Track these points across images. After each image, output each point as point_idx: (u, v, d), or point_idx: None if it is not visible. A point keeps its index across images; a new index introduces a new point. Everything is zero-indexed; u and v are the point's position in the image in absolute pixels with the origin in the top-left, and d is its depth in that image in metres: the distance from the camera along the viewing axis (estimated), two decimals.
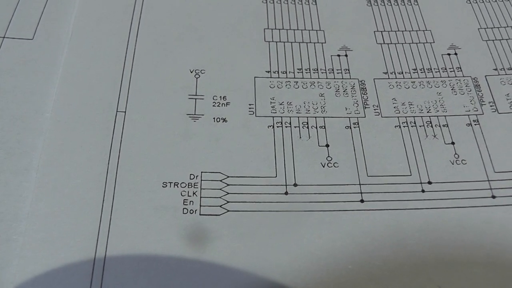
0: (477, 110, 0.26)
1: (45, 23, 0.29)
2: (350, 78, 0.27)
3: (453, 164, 0.24)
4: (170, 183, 0.23)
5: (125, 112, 0.25)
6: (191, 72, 0.27)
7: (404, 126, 0.25)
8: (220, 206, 0.23)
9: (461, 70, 0.28)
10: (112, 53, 0.27)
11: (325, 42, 0.28)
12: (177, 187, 0.23)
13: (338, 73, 0.27)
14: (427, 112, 0.26)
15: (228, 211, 0.23)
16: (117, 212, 0.22)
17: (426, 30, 0.29)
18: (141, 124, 0.25)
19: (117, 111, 0.25)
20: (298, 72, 0.27)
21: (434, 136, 0.25)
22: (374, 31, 0.29)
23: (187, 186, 0.23)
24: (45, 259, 0.21)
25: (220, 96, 0.26)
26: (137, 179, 0.23)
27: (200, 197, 0.23)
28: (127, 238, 0.22)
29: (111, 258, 0.21)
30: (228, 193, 0.23)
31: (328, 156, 0.24)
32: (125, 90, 0.26)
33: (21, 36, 0.28)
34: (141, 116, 0.25)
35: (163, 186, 0.23)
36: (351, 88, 0.27)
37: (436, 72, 0.27)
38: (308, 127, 0.25)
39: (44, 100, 0.26)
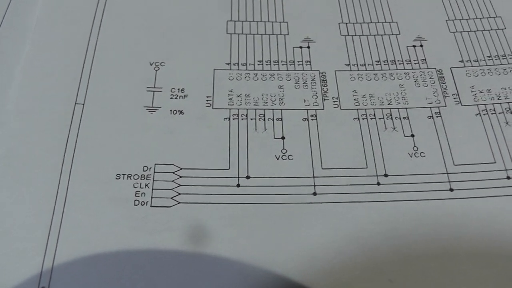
0: (439, 102, 0.26)
1: (11, 14, 0.29)
2: (311, 70, 0.27)
3: (411, 156, 0.24)
4: (123, 175, 0.23)
5: (83, 104, 0.25)
6: (151, 65, 0.27)
7: (363, 119, 0.25)
8: (172, 198, 0.23)
9: (426, 62, 0.27)
10: (73, 46, 0.27)
11: (288, 34, 0.28)
12: (130, 179, 0.23)
13: (299, 65, 0.27)
14: (388, 104, 0.26)
15: (179, 203, 0.23)
16: (70, 204, 0.22)
17: (392, 22, 0.29)
18: (98, 116, 0.25)
19: (75, 103, 0.25)
20: (258, 64, 0.27)
21: (394, 129, 0.25)
22: (339, 23, 0.29)
23: (139, 178, 0.23)
24: None
25: (178, 89, 0.26)
26: (92, 171, 0.23)
27: (152, 189, 0.23)
28: (79, 230, 0.22)
29: (62, 249, 0.22)
30: (180, 185, 0.23)
31: (283, 149, 0.24)
32: (84, 83, 0.26)
33: None
34: (99, 109, 0.25)
35: (116, 178, 0.23)
36: (311, 80, 0.26)
37: (400, 64, 0.27)
38: (264, 119, 0.25)
39: (6, 92, 0.26)
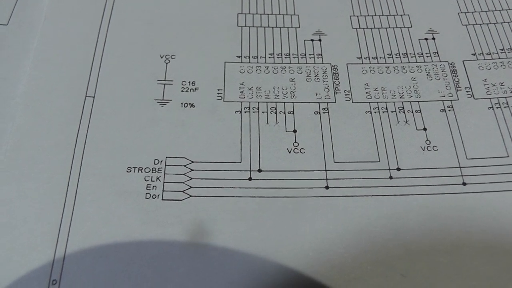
0: (452, 96, 0.26)
1: (20, 8, 0.29)
2: (323, 63, 0.27)
3: (424, 150, 0.24)
4: (134, 168, 0.23)
5: (94, 97, 0.25)
6: (161, 58, 0.27)
7: (375, 112, 0.25)
8: (183, 191, 0.23)
9: (438, 55, 0.27)
10: (83, 39, 0.27)
11: (299, 27, 0.28)
12: (141, 172, 0.23)
13: (310, 58, 0.27)
14: (400, 97, 0.25)
15: (191, 196, 0.22)
16: (80, 197, 0.22)
17: (404, 14, 0.29)
18: (109, 109, 0.25)
19: (86, 97, 0.25)
20: (269, 57, 0.27)
21: (406, 122, 0.25)
22: (350, 16, 0.29)
23: (151, 171, 0.23)
24: (8, 243, 0.21)
25: (189, 82, 0.26)
26: (102, 164, 0.23)
27: (164, 182, 0.23)
28: (89, 223, 0.22)
29: (73, 243, 0.21)
30: (191, 178, 0.23)
31: (295, 142, 0.24)
32: (94, 76, 0.26)
33: None
34: (110, 102, 0.25)
35: (127, 171, 0.23)
36: (323, 73, 0.26)
37: (412, 57, 0.27)
38: (276, 113, 0.25)
39: (16, 86, 0.26)
